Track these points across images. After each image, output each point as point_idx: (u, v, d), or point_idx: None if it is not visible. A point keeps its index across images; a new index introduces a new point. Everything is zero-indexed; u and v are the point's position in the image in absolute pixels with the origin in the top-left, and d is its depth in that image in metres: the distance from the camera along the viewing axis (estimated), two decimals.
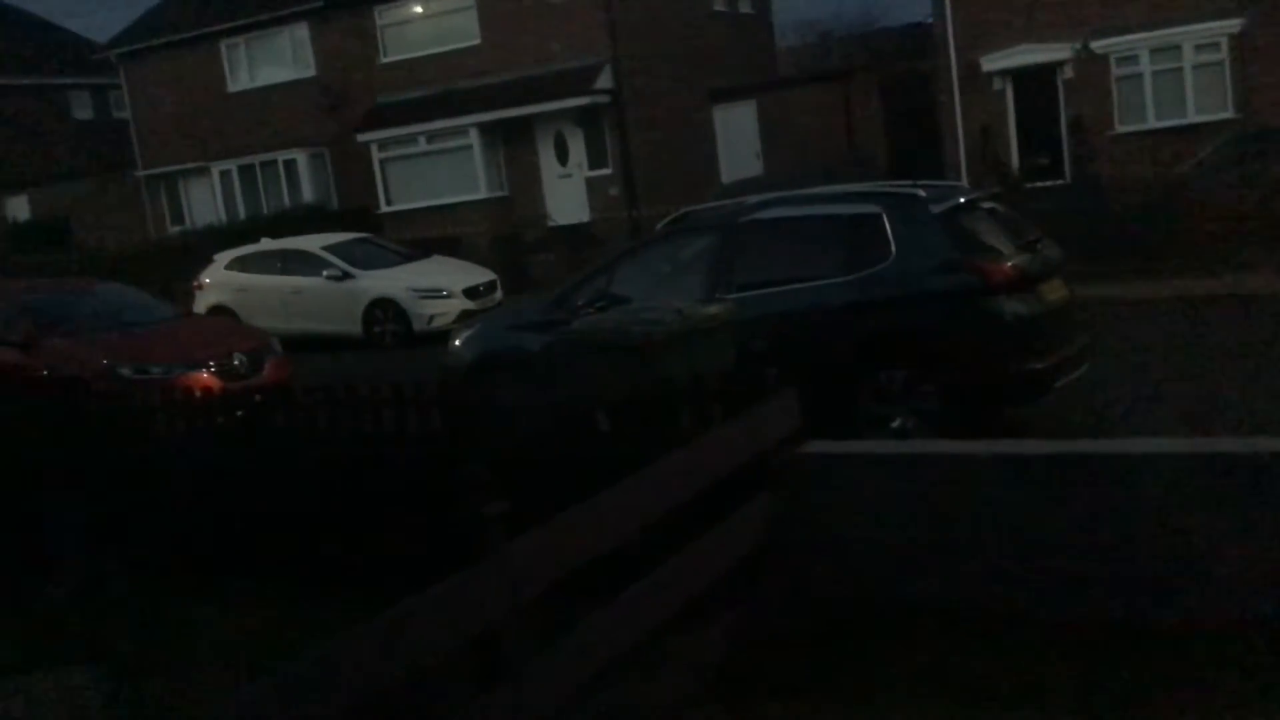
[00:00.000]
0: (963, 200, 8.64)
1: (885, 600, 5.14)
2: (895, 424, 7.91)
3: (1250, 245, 15.23)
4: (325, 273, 17.89)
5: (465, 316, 15.81)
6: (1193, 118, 20.51)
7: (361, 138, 26.41)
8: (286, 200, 27.83)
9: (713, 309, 7.38)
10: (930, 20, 23.32)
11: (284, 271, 18.41)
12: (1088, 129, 21.46)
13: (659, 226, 9.90)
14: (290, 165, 28.08)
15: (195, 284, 19.32)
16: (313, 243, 18.93)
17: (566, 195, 25.59)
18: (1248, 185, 16.68)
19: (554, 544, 3.92)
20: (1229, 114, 20.25)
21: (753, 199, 9.50)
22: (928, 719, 4.35)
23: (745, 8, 29.39)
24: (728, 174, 25.77)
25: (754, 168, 25.54)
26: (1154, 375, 9.80)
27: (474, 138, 25.41)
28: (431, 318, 17.11)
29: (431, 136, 25.86)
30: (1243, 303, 12.74)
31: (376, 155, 26.40)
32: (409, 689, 3.34)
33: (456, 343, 9.89)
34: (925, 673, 4.66)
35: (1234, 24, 20.12)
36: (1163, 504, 4.69)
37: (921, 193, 8.51)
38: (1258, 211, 16.02)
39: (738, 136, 26.48)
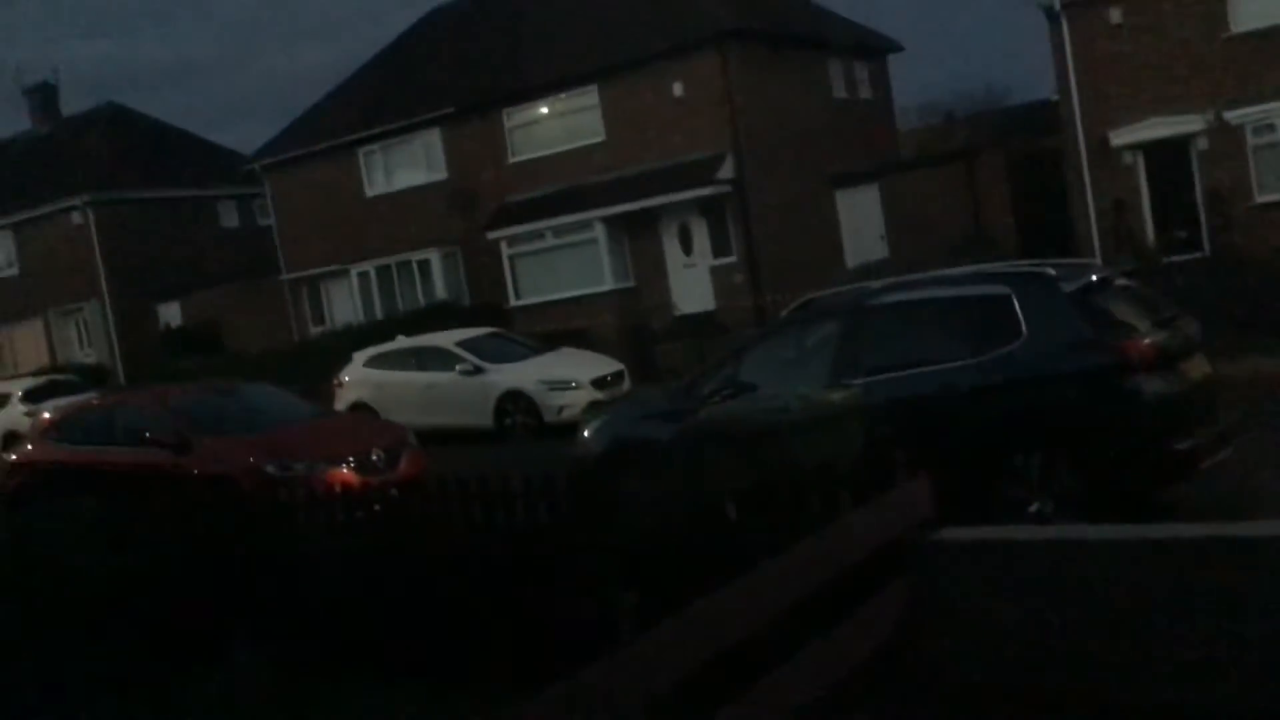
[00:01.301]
0: (1095, 278, 8.47)
1: (1020, 689, 4.98)
2: (1033, 508, 7.71)
3: None
4: (458, 368, 18.31)
5: (594, 407, 15.95)
6: None
7: (491, 235, 27.14)
8: (421, 299, 28.66)
9: (838, 395, 7.35)
10: (1056, 97, 23.08)
11: (419, 367, 18.92)
12: (1225, 200, 20.86)
13: (784, 313, 9.93)
14: (424, 265, 28.97)
15: (335, 382, 19.94)
16: (446, 339, 19.43)
17: (691, 284, 25.81)
18: None
19: (685, 635, 3.91)
20: None
21: (878, 283, 9.48)
22: None
23: (865, 93, 29.51)
24: (852, 258, 25.69)
25: (879, 251, 25.43)
26: None
27: (599, 231, 25.90)
28: (561, 409, 17.31)
29: (558, 231, 26.45)
30: None
31: (506, 251, 27.08)
32: None
33: (585, 433, 10.00)
34: None
35: None
36: None
37: (1051, 271, 8.38)
38: None
39: (861, 220, 26.43)
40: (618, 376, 18.44)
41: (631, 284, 26.36)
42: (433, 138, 28.93)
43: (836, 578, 4.73)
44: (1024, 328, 7.97)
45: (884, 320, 8.65)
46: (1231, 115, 20.63)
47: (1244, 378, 11.61)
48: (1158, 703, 4.70)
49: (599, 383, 17.89)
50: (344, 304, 30.86)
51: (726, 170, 24.60)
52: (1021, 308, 8.02)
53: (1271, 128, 20.46)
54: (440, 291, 28.61)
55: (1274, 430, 9.95)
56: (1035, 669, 5.04)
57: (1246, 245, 19.93)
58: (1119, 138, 21.62)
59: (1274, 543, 4.70)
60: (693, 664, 3.91)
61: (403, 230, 28.89)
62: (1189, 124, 21.07)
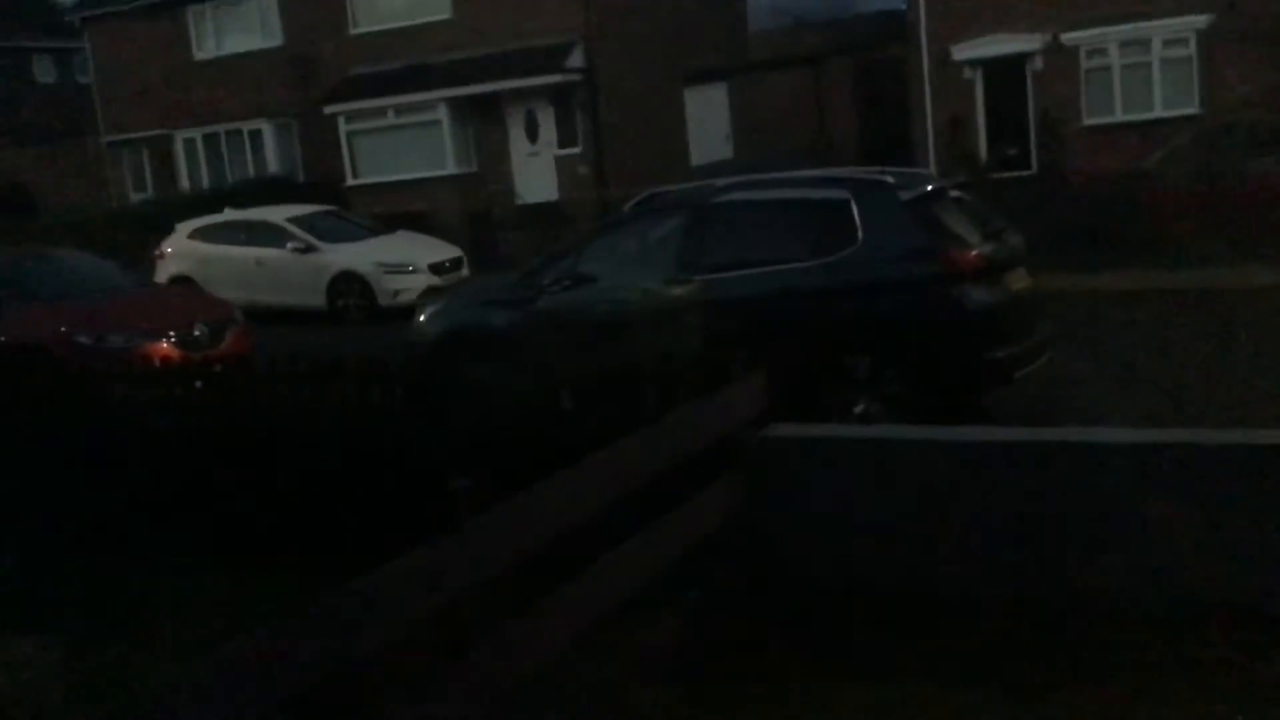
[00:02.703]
0: (930, 188, 8.67)
1: (845, 583, 5.17)
2: (859, 409, 7.95)
3: (1212, 240, 15.40)
4: (290, 245, 17.74)
5: (431, 292, 15.71)
6: (1159, 112, 20.67)
7: (329, 110, 26.15)
8: (251, 171, 27.56)
9: (679, 290, 7.39)
10: (904, 7, 23.36)
11: (248, 242, 18.24)
12: (1055, 121, 21.59)
13: (627, 206, 9.87)
14: (256, 136, 27.80)
15: (156, 254, 19.10)
16: (278, 214, 18.76)
17: (535, 173, 25.49)
18: (1210, 181, 16.86)
19: (516, 521, 3.90)
20: (1195, 109, 20.42)
21: (722, 181, 9.50)
22: (880, 699, 4.39)
23: None
24: (698, 156, 25.75)
25: (724, 150, 25.54)
26: (1114, 366, 9.90)
27: (443, 113, 25.24)
28: (397, 293, 17.01)
29: (400, 110, 25.66)
30: (1204, 296, 12.90)
31: (344, 127, 26.17)
32: (370, 662, 3.33)
33: (421, 318, 9.84)
34: (879, 654, 4.70)
35: (1202, 20, 20.28)
36: (1115, 492, 4.75)
37: (890, 179, 8.54)
38: (1220, 207, 16.19)
39: (709, 119, 26.45)
40: (456, 263, 18.18)
41: (474, 169, 25.87)
42: (268, 1, 27.55)
43: (670, 470, 4.78)
44: (860, 233, 8.12)
45: (726, 218, 8.69)
46: (1068, 37, 21.24)
47: (1063, 292, 12.14)
48: (962, 592, 4.94)
49: (437, 268, 17.61)
50: (168, 172, 29.42)
51: (576, 59, 24.19)
52: (859, 213, 8.16)
53: (1104, 52, 21.16)
54: (273, 165, 27.55)
55: (1086, 342, 10.47)
56: (855, 561, 5.23)
57: (1071, 166, 20.71)
58: (960, 52, 22.06)
59: (1068, 446, 4.95)
60: (523, 550, 3.92)
61: (234, 98, 27.59)
62: (1027, 43, 21.63)
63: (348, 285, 17.43)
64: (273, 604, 4.38)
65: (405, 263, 17.55)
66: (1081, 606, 4.74)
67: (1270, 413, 7.95)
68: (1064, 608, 4.75)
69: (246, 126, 27.77)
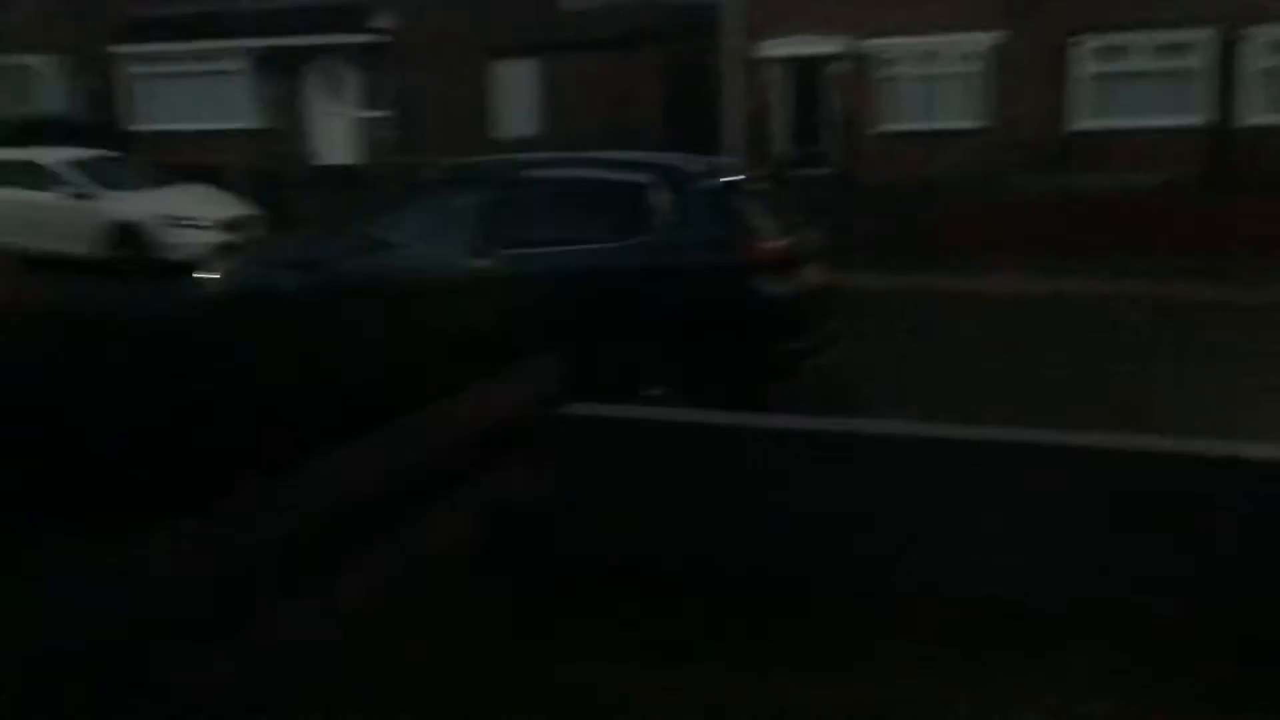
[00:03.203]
0: (733, 179, 8.86)
1: (634, 564, 5.23)
2: (652, 393, 8.05)
3: (990, 250, 16.32)
4: (66, 190, 16.72)
5: (219, 250, 15.08)
6: (946, 123, 21.68)
7: (116, 50, 24.71)
8: (23, 109, 25.78)
9: (479, 264, 7.32)
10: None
11: (17, 184, 17.08)
12: (853, 124, 22.38)
13: (431, 176, 9.71)
14: (27, 71, 26.01)
15: None
16: (53, 156, 17.62)
17: (335, 134, 24.79)
18: (986, 194, 17.86)
19: (300, 489, 3.79)
20: (979, 123, 21.50)
21: (528, 157, 9.46)
22: (661, 681, 4.47)
23: None
24: (504, 130, 25.52)
25: (531, 126, 25.39)
26: (897, 362, 10.35)
27: (241, 63, 24.23)
28: (181, 248, 16.25)
29: (196, 57, 24.50)
30: (982, 302, 13.72)
31: (133, 70, 24.79)
32: (128, 630, 3.17)
33: (210, 276, 9.44)
34: (664, 638, 4.78)
35: (990, 38, 21.36)
36: (891, 481, 4.96)
37: (694, 167, 8.69)
38: (999, 219, 17.16)
39: (517, 93, 26.24)
40: (248, 220, 17.50)
41: (272, 125, 24.94)
42: None
43: (463, 445, 4.73)
44: (662, 218, 8.23)
45: (530, 195, 8.67)
46: (869, 44, 22.03)
47: (852, 289, 12.61)
48: (757, 579, 5.06)
49: (227, 225, 16.90)
50: None
51: (384, 19, 23.60)
52: (662, 199, 8.28)
53: (901, 61, 22.04)
54: (48, 104, 25.84)
55: (871, 339, 10.90)
56: (643, 542, 5.29)
57: (864, 168, 21.54)
58: (768, 49, 22.60)
59: (846, 436, 5.16)
60: (306, 518, 3.80)
61: (14, 32, 25.73)
62: (831, 45, 22.33)
63: (127, 237, 16.54)
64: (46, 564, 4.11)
65: (193, 217, 16.78)
66: (863, 595, 4.91)
67: (1027, 410, 8.44)
68: (856, 596, 4.91)
69: (17, 61, 25.96)
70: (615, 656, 4.62)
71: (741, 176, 9.23)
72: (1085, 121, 20.62)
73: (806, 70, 22.69)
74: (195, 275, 9.72)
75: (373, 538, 4.20)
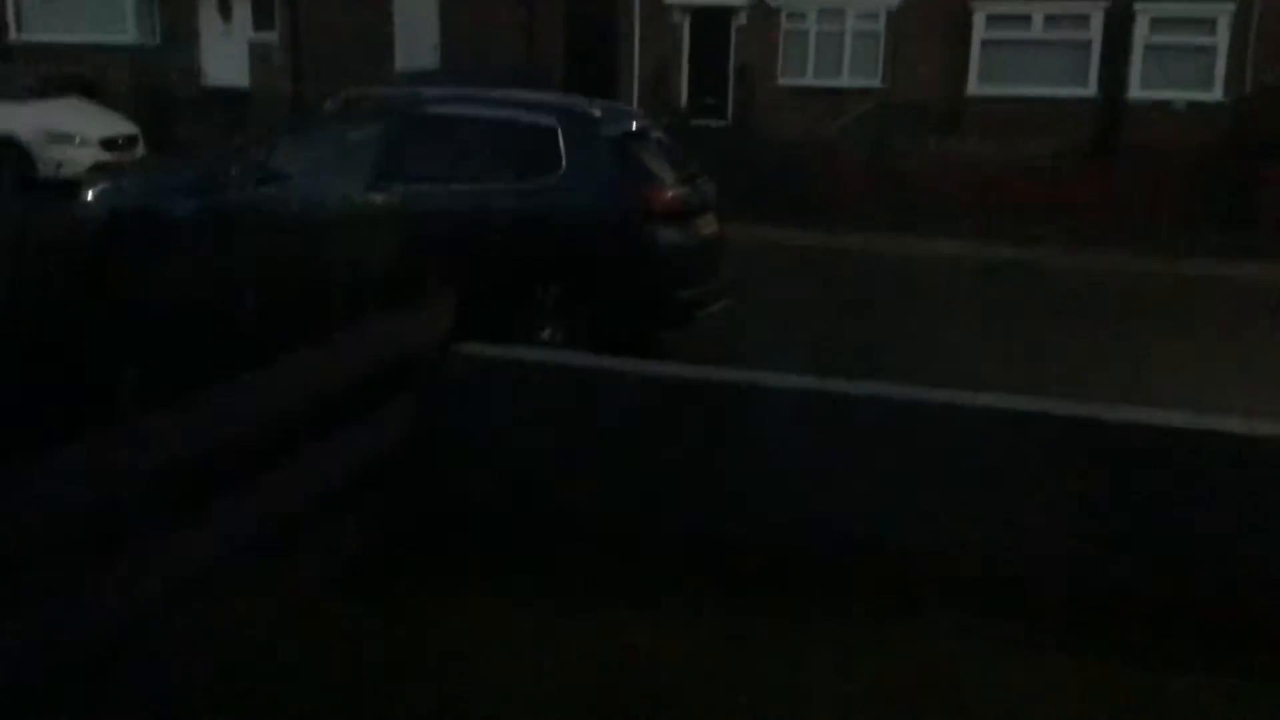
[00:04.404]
0: (634, 126, 8.87)
1: (521, 506, 5.29)
2: (545, 335, 8.09)
3: (880, 209, 16.64)
4: None
5: (100, 168, 14.58)
6: (846, 81, 21.91)
7: None
8: None
9: (377, 198, 7.23)
10: None
11: None
12: (752, 76, 22.46)
13: (328, 105, 9.51)
14: None
15: None
16: None
17: (225, 55, 24.00)
18: (880, 153, 18.16)
19: (184, 421, 3.73)
20: (877, 83, 21.78)
21: (429, 91, 9.33)
22: (534, 620, 4.56)
23: None
24: (402, 62, 24.99)
25: (430, 60, 24.91)
26: (784, 315, 10.55)
27: None
28: (60, 164, 15.65)
29: None
30: (868, 257, 14.04)
31: None
32: (22, 555, 3.13)
33: (89, 195, 9.14)
34: (542, 578, 4.88)
35: (894, 0, 21.59)
36: (767, 431, 5.09)
37: (597, 112, 8.67)
38: (890, 179, 17.48)
39: (416, 26, 25.67)
40: (131, 140, 16.92)
41: (158, 42, 24.06)
42: None
43: (353, 382, 4.71)
44: (563, 162, 8.22)
45: (431, 130, 8.56)
46: None
47: (744, 240, 12.76)
48: (632, 522, 5.17)
49: (108, 143, 16.33)
50: None
51: None
52: (564, 143, 8.26)
53: (803, 17, 22.15)
54: None
55: (762, 290, 11.06)
56: (534, 486, 5.35)
57: (763, 122, 21.67)
58: None
59: (739, 387, 5.24)
60: (190, 451, 3.77)
61: None
62: None
63: (3, 151, 15.87)
64: None
65: (72, 133, 16.18)
66: (745, 541, 5.05)
67: (912, 364, 8.70)
68: (732, 543, 5.04)
69: None
70: (496, 596, 4.70)
71: (644, 124, 9.24)
72: (982, 87, 21.00)
73: (710, 20, 22.66)
74: (74, 193, 9.39)
75: (265, 469, 4.18)
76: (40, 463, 3.14)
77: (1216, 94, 19.91)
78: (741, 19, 22.51)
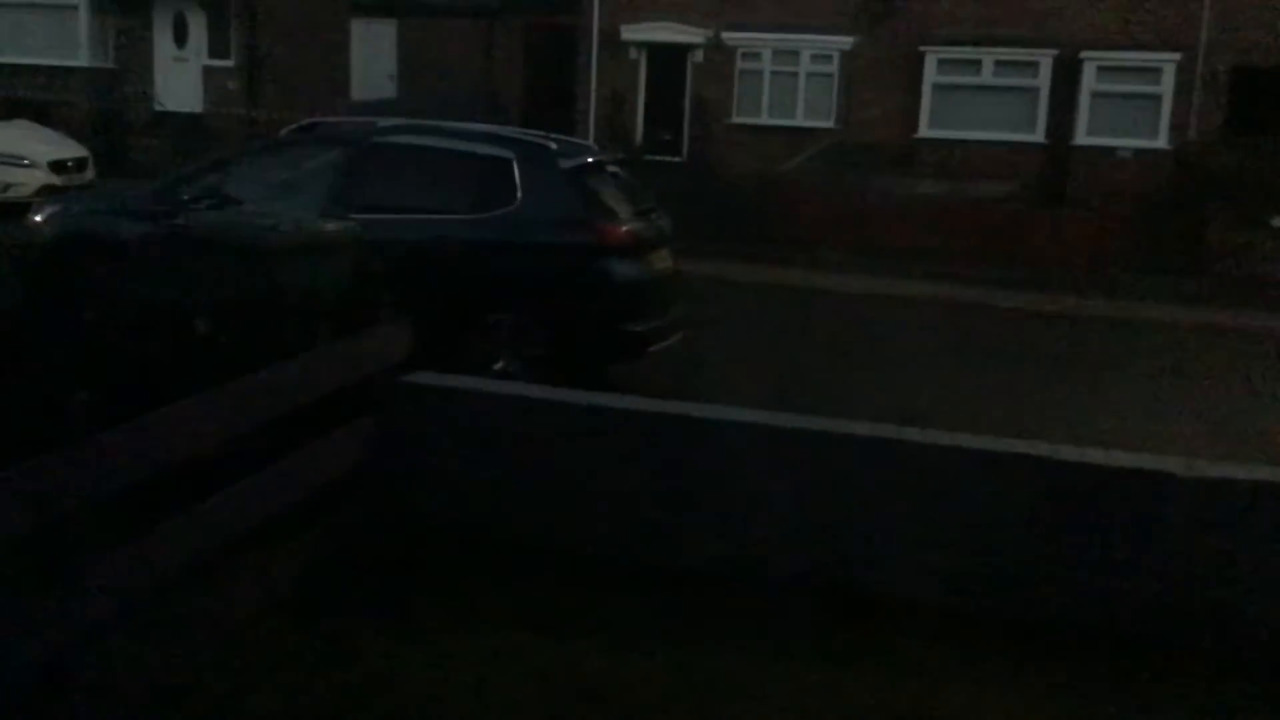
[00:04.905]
0: (590, 160, 8.93)
1: (472, 532, 5.28)
2: (498, 366, 8.09)
3: (833, 246, 16.84)
4: None
5: (48, 191, 14.43)
6: (800, 121, 22.12)
7: None
8: None
9: (332, 225, 7.22)
10: None
11: None
12: (708, 113, 22.66)
13: (284, 132, 9.50)
14: None
15: None
16: None
17: (180, 80, 23.82)
18: (832, 193, 18.39)
19: (135, 442, 3.70)
20: (830, 124, 22.02)
21: (387, 121, 9.34)
22: (485, 646, 4.54)
23: None
24: (359, 91, 24.99)
25: (387, 90, 24.96)
26: (737, 349, 10.61)
27: None
28: (7, 186, 15.48)
29: None
30: (820, 294, 14.21)
31: None
32: None
33: (37, 218, 9.04)
34: (492, 604, 4.86)
35: (846, 41, 21.88)
36: (724, 464, 5.13)
37: (553, 146, 8.72)
38: (844, 218, 17.70)
39: (374, 55, 25.72)
40: (81, 163, 16.76)
41: (111, 65, 23.85)
42: None
43: (307, 406, 4.69)
44: (519, 194, 8.25)
45: (387, 160, 8.57)
46: (728, 36, 22.32)
47: (698, 276, 12.84)
48: (581, 552, 5.17)
49: (57, 166, 16.18)
50: None
51: None
52: (520, 175, 8.30)
53: (758, 56, 22.39)
54: None
55: (715, 327, 11.13)
56: (487, 513, 5.35)
57: (718, 159, 21.85)
58: (629, 32, 22.69)
59: (694, 422, 5.28)
60: (140, 472, 3.73)
61: None
62: (692, 35, 22.54)
63: None
64: None
65: (20, 155, 16.01)
66: (699, 572, 5.07)
67: (866, 399, 8.78)
68: (682, 572, 5.06)
69: None
70: (447, 621, 4.68)
71: (600, 157, 9.30)
72: (934, 130, 21.30)
73: (667, 56, 22.85)
74: (21, 215, 9.29)
75: (216, 490, 4.14)
76: None
77: (1161, 142, 20.32)
78: (698, 56, 22.73)
